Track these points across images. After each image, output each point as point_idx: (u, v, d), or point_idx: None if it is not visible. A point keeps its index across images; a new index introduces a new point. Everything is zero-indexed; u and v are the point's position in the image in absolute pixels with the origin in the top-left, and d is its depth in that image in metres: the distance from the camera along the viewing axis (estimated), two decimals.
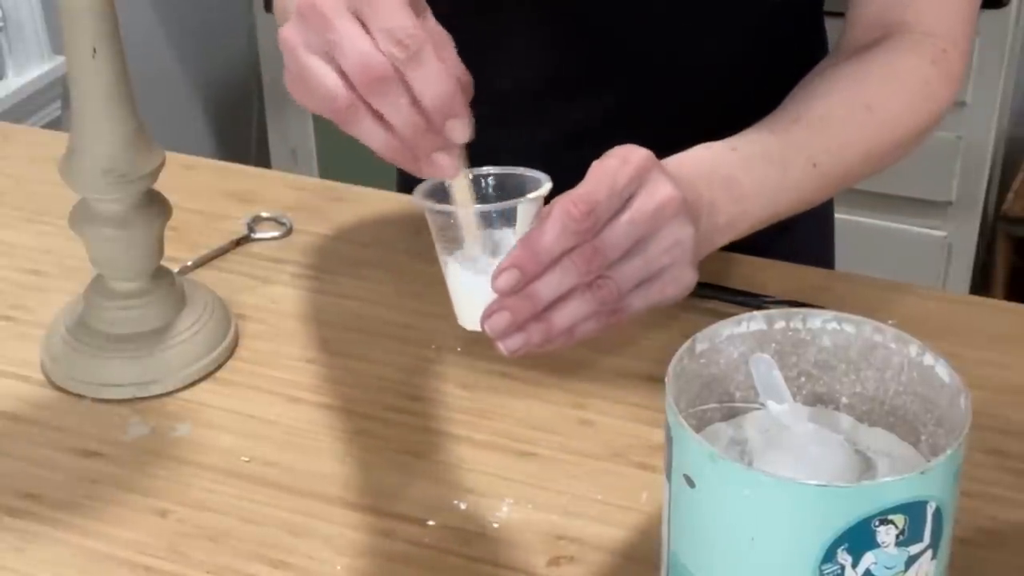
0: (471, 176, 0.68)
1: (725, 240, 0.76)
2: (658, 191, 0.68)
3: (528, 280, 0.65)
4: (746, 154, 0.76)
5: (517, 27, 0.96)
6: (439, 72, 0.62)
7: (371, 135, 0.64)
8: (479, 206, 0.68)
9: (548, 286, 0.66)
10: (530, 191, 0.68)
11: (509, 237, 0.68)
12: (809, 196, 0.80)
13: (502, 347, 0.67)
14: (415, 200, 0.68)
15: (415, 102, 0.62)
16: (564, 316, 0.67)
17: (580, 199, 0.65)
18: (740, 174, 0.75)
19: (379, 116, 0.63)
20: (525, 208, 0.67)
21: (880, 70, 0.83)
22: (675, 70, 0.95)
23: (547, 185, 0.68)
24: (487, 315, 0.66)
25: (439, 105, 0.62)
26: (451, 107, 0.62)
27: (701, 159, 0.75)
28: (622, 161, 0.68)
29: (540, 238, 0.65)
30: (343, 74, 0.62)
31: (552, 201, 0.66)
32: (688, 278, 0.70)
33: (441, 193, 0.68)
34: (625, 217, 0.67)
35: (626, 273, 0.68)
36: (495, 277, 0.65)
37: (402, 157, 0.64)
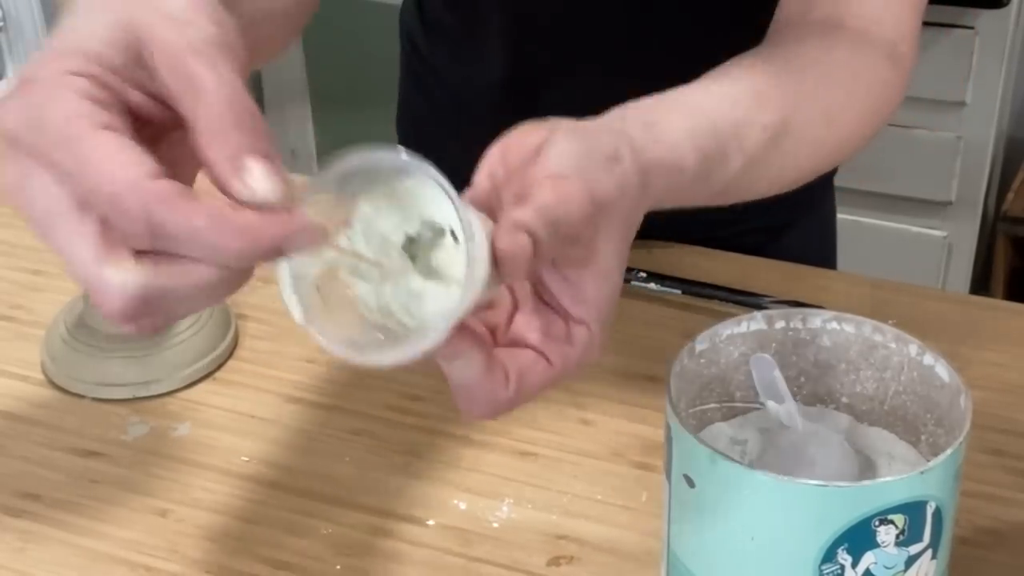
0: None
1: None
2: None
3: None
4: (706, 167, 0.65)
5: (490, 22, 0.95)
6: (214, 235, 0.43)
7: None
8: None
9: None
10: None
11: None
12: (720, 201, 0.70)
13: None
14: None
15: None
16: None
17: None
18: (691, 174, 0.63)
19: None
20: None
21: (841, 72, 0.76)
22: (650, 62, 0.95)
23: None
24: None
25: (235, 262, 0.44)
26: (252, 250, 0.44)
27: (682, 159, 0.62)
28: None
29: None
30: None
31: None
32: None
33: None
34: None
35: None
36: None
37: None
